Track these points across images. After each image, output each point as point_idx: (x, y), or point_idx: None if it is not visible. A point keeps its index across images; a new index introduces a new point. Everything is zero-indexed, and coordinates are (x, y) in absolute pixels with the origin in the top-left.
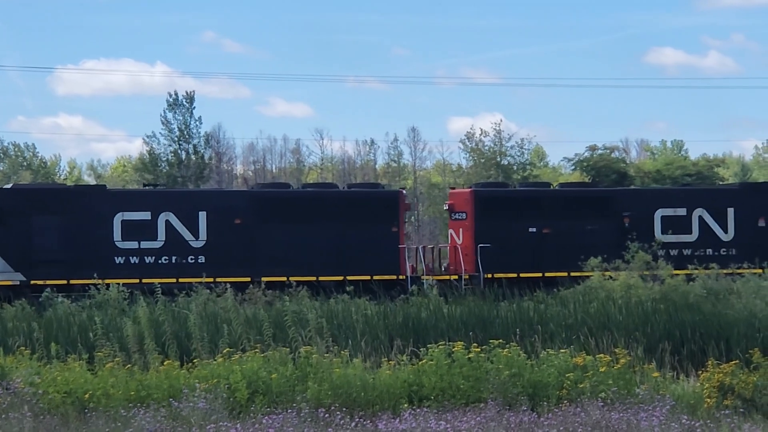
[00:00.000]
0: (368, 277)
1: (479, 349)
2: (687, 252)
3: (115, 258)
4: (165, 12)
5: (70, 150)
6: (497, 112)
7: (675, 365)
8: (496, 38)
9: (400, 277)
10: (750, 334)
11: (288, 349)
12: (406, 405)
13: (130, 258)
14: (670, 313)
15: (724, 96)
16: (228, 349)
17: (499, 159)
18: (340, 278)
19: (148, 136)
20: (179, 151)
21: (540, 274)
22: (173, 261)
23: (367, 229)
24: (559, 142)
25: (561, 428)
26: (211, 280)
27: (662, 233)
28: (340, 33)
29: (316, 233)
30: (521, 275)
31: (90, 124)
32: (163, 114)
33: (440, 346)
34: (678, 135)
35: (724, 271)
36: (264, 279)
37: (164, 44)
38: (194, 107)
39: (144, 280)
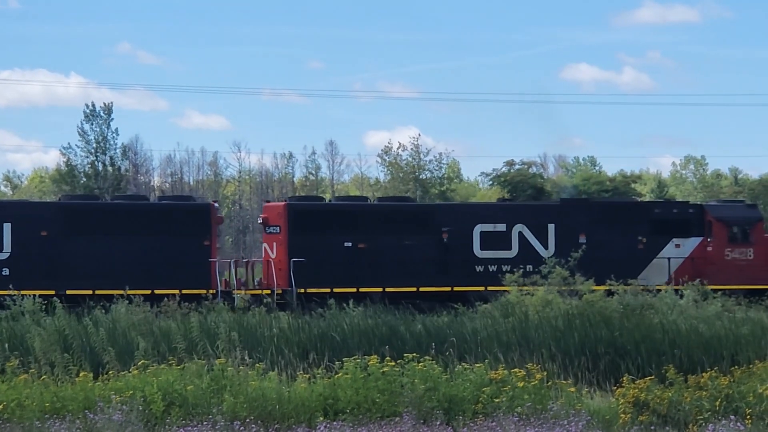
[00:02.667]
0: (177, 291)
1: (394, 363)
2: (506, 268)
3: None
4: (79, 23)
5: None
6: (414, 126)
7: (591, 381)
8: (412, 52)
9: (210, 291)
10: (665, 350)
11: (203, 362)
12: (321, 418)
13: None
14: (586, 328)
15: (639, 112)
16: (143, 361)
17: (417, 173)
18: (148, 292)
19: (64, 148)
20: (96, 163)
21: (354, 290)
22: None
23: (177, 243)
24: (477, 157)
25: None
26: (16, 292)
27: (481, 249)
28: (254, 45)
29: (125, 246)
30: (335, 290)
31: (5, 134)
32: (80, 125)
33: (355, 360)
34: (593, 151)
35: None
36: (69, 292)
37: (79, 55)
38: (112, 119)
39: None
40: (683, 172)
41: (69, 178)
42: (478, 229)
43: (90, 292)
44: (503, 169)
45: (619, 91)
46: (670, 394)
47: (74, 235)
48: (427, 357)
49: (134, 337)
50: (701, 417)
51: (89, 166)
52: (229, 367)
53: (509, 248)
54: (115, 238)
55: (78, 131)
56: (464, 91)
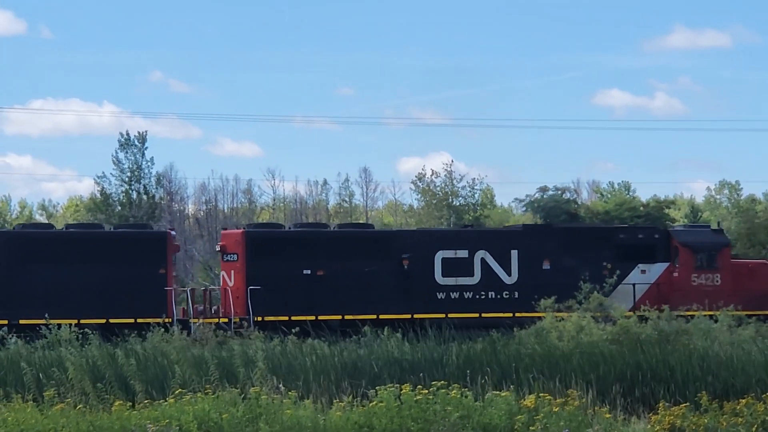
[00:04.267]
0: (132, 320)
1: (427, 391)
2: (468, 295)
3: None
4: (111, 51)
5: (20, 190)
6: (446, 152)
7: (626, 407)
8: (443, 78)
9: (166, 320)
10: (700, 376)
11: (238, 390)
12: None
13: None
14: (622, 354)
15: (671, 138)
16: (179, 389)
17: (450, 200)
18: (103, 321)
19: (99, 177)
20: (131, 191)
21: (313, 317)
22: None
23: (133, 271)
24: (509, 183)
25: None
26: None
27: (443, 275)
28: (283, 72)
29: (80, 275)
30: (293, 318)
31: (39, 163)
32: (114, 154)
33: (389, 389)
34: (626, 176)
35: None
36: (22, 322)
37: (111, 84)
38: (146, 147)
39: None
40: (718, 197)
41: (104, 206)
42: (440, 255)
43: (44, 321)
44: (536, 195)
45: (651, 117)
46: (705, 421)
47: (27, 263)
48: (456, 384)
49: (168, 366)
50: None
51: (123, 194)
52: (263, 396)
53: (471, 275)
54: (69, 266)
55: (113, 160)
56: (496, 117)
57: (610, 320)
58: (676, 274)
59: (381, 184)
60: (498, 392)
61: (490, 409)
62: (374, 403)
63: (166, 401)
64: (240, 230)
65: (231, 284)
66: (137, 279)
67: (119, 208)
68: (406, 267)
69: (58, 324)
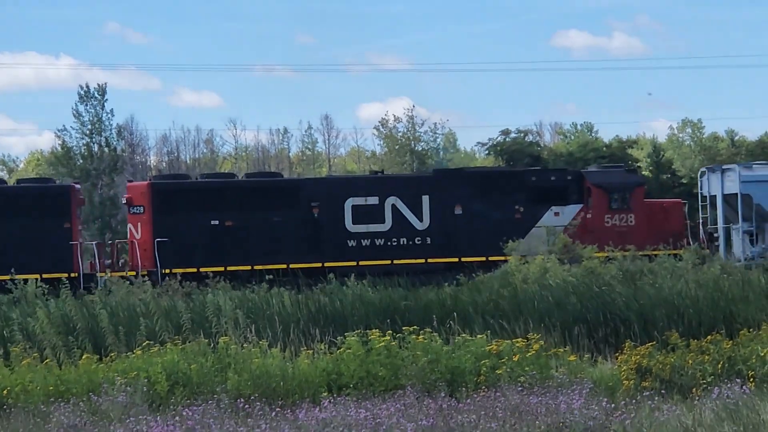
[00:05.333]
0: (38, 276)
1: (395, 336)
2: (380, 242)
3: None
4: (65, 4)
5: None
6: (407, 97)
7: (591, 348)
8: (402, 24)
9: (72, 274)
10: (666, 315)
11: (207, 341)
12: (325, 394)
13: None
14: (585, 295)
15: (631, 77)
16: (146, 342)
17: (413, 145)
18: (8, 277)
19: (59, 130)
20: (92, 144)
21: (222, 268)
22: None
23: (37, 226)
24: (472, 128)
25: (481, 413)
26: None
27: (353, 223)
28: (242, 21)
29: None
30: (201, 270)
31: None
32: (74, 107)
33: (357, 334)
34: (588, 117)
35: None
36: None
37: (67, 36)
38: (106, 99)
39: None
40: (680, 135)
41: (65, 160)
42: (350, 202)
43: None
44: (499, 138)
45: (610, 57)
46: (672, 360)
47: None
48: (427, 329)
49: (137, 318)
50: (705, 381)
51: (85, 147)
52: (232, 345)
53: (382, 221)
54: None
55: (73, 113)
56: (455, 61)
57: (576, 261)
58: (589, 216)
59: (343, 131)
60: (466, 336)
61: (459, 353)
62: (342, 349)
63: (133, 353)
64: (145, 182)
65: (138, 237)
66: (42, 234)
67: (81, 161)
68: (315, 215)
69: None
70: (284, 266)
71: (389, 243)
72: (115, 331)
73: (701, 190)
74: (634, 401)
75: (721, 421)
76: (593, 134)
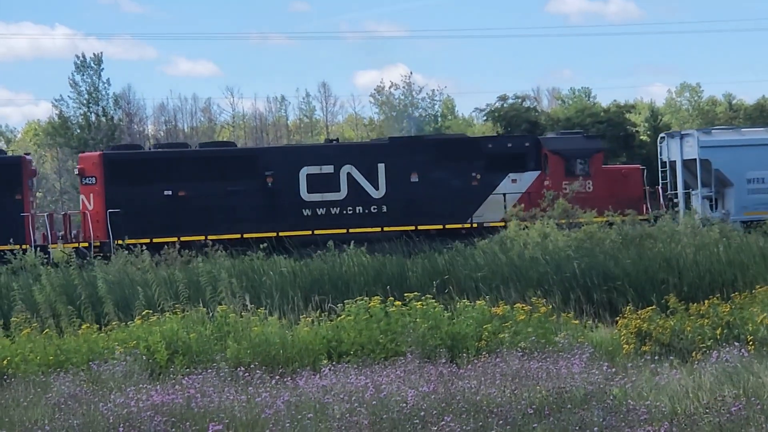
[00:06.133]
0: None
1: (396, 303)
2: (335, 211)
3: None
4: None
5: None
6: (403, 64)
7: (592, 313)
8: None
9: (24, 246)
10: (666, 279)
11: (205, 309)
12: (325, 361)
13: None
14: (585, 260)
15: (628, 42)
16: (146, 311)
17: (410, 111)
18: None
19: (56, 100)
20: (89, 114)
21: (176, 239)
22: None
23: None
24: (469, 93)
25: (482, 378)
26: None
27: (308, 192)
28: None
29: None
30: (154, 240)
31: None
32: (71, 77)
33: (357, 302)
34: (584, 83)
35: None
36: None
37: (63, 6)
38: (102, 69)
39: None
40: (678, 99)
41: (62, 130)
42: (305, 171)
43: None
44: (496, 104)
45: (606, 22)
46: (672, 323)
47: None
48: (428, 296)
49: (135, 287)
50: (704, 345)
51: (82, 117)
52: (231, 314)
53: (338, 190)
54: None
55: (69, 83)
56: (451, 27)
57: (575, 226)
58: (547, 182)
59: (340, 98)
60: (466, 302)
61: (460, 319)
62: (342, 316)
63: (133, 322)
64: (97, 153)
65: (90, 208)
66: None
67: (78, 131)
68: (270, 185)
69: None
70: (238, 236)
71: (345, 212)
72: (115, 300)
73: (660, 155)
74: (634, 365)
75: (721, 384)
76: (591, 99)
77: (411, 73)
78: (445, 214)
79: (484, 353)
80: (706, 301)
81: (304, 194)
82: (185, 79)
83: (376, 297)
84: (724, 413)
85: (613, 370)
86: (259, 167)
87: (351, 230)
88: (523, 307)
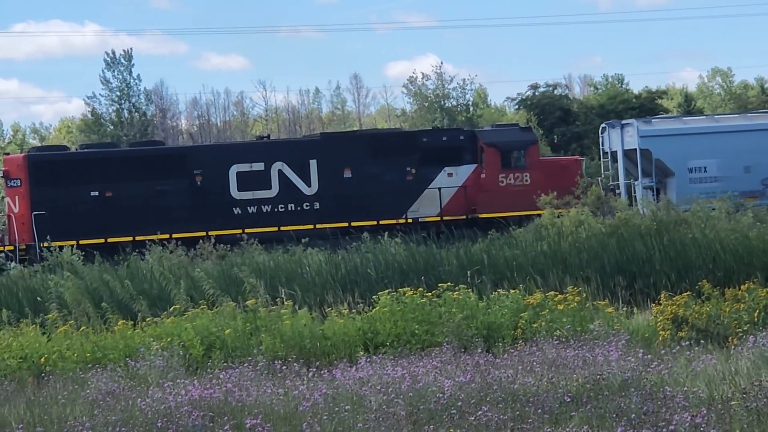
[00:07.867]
0: None
1: (430, 294)
2: (267, 209)
3: None
4: None
5: (10, 114)
6: (433, 54)
7: (628, 300)
8: None
9: None
10: (701, 265)
11: (234, 304)
12: (362, 353)
13: None
14: (621, 246)
15: (657, 28)
16: (175, 307)
17: (442, 102)
18: None
19: (89, 97)
20: (121, 110)
21: (103, 240)
22: None
23: None
24: (500, 83)
25: (518, 367)
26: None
27: (238, 190)
28: None
29: None
30: (81, 242)
31: (26, 86)
32: (101, 73)
33: (390, 294)
34: (615, 69)
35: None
36: None
37: (92, 3)
38: (133, 65)
39: None
40: (710, 84)
41: (96, 127)
42: (234, 169)
43: None
44: (528, 92)
45: (636, 8)
46: (708, 309)
47: None
48: (462, 285)
49: (167, 284)
50: (740, 330)
51: (114, 113)
52: (261, 308)
53: (269, 188)
54: None
55: (100, 79)
56: (481, 16)
57: (609, 213)
58: (483, 176)
59: (372, 89)
60: (501, 291)
61: (495, 308)
62: (377, 308)
63: (165, 319)
64: (22, 155)
65: (16, 210)
66: None
67: (111, 127)
68: (199, 183)
69: None
70: (167, 236)
71: (276, 209)
72: (148, 297)
73: (602, 145)
74: (670, 351)
75: (758, 368)
76: (624, 86)
77: (441, 63)
78: (380, 210)
79: (519, 342)
80: (742, 286)
81: (234, 192)
82: (217, 74)
83: (408, 288)
84: (761, 398)
85: (650, 356)
86: (187, 166)
87: (283, 228)
88: (557, 295)
